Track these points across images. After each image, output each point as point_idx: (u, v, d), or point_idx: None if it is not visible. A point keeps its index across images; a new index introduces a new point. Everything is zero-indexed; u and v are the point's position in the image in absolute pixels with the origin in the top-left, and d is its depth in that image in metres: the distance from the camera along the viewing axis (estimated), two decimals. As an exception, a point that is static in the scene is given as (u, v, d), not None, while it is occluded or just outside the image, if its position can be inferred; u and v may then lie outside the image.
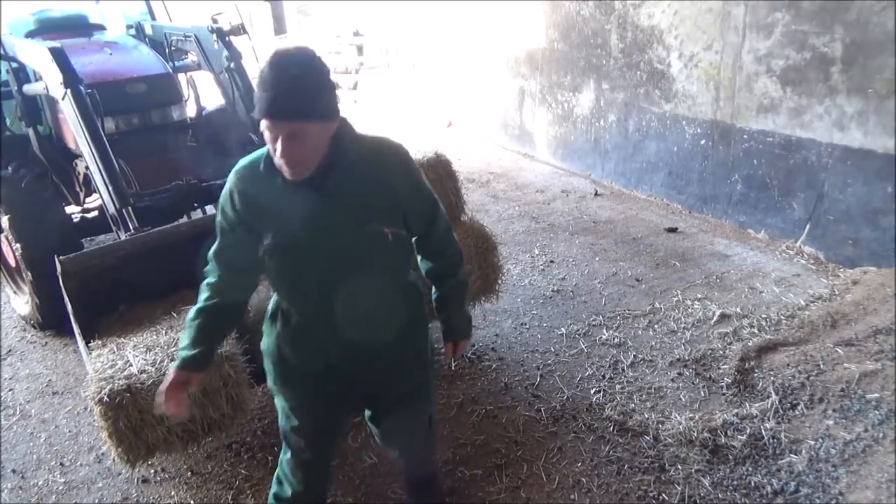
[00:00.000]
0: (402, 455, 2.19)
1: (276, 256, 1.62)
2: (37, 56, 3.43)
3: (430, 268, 1.90)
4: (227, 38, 3.84)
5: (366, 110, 8.94)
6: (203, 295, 1.74)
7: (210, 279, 1.74)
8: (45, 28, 4.26)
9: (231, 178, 1.65)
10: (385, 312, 1.73)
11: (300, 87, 1.41)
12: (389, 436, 2.08)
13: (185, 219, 3.62)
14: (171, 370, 1.72)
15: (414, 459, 2.22)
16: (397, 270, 1.76)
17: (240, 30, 3.92)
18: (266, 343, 1.82)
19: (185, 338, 1.73)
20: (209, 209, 4.12)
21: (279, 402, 1.89)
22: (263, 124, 1.45)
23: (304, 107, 1.43)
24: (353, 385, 1.84)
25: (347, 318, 1.66)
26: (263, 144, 1.53)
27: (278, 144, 1.44)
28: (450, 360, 2.09)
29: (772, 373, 2.89)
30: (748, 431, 2.60)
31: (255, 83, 1.48)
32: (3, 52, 3.80)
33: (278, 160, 1.48)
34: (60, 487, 2.69)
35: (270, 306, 1.81)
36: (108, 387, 2.18)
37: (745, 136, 4.44)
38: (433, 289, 1.93)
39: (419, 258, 1.88)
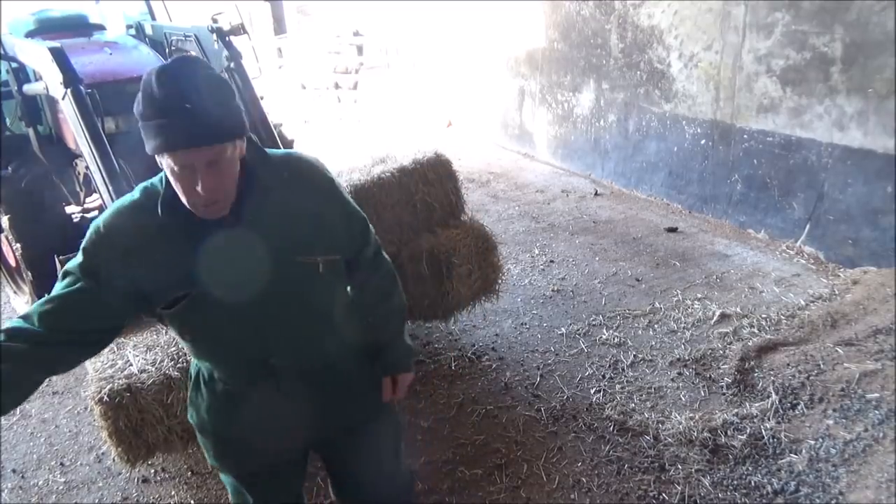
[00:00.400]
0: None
1: (193, 316, 1.35)
2: (37, 56, 3.43)
3: (361, 293, 1.63)
4: (227, 38, 3.84)
5: (366, 110, 8.94)
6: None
7: (21, 325, 1.28)
8: (45, 28, 4.26)
9: (109, 227, 1.31)
10: (330, 349, 1.52)
11: (209, 101, 1.16)
12: (357, 481, 1.73)
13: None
14: None
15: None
16: (336, 299, 1.52)
17: (240, 30, 3.92)
18: (195, 417, 1.57)
19: None
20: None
21: (225, 478, 1.66)
22: (167, 160, 1.19)
23: (222, 125, 1.19)
24: (306, 437, 1.61)
25: (288, 367, 1.46)
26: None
27: (198, 178, 1.19)
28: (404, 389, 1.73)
29: (772, 372, 2.89)
30: (748, 431, 2.60)
31: (136, 110, 1.20)
32: (3, 52, 3.80)
33: (194, 198, 1.22)
34: (60, 487, 2.69)
35: (192, 374, 1.57)
36: (108, 386, 2.18)
37: (745, 136, 4.44)
38: (368, 317, 1.65)
39: (349, 286, 1.61)
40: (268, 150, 1.41)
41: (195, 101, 1.15)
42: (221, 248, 1.31)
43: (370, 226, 1.60)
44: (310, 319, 1.46)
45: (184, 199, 1.24)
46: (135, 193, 1.34)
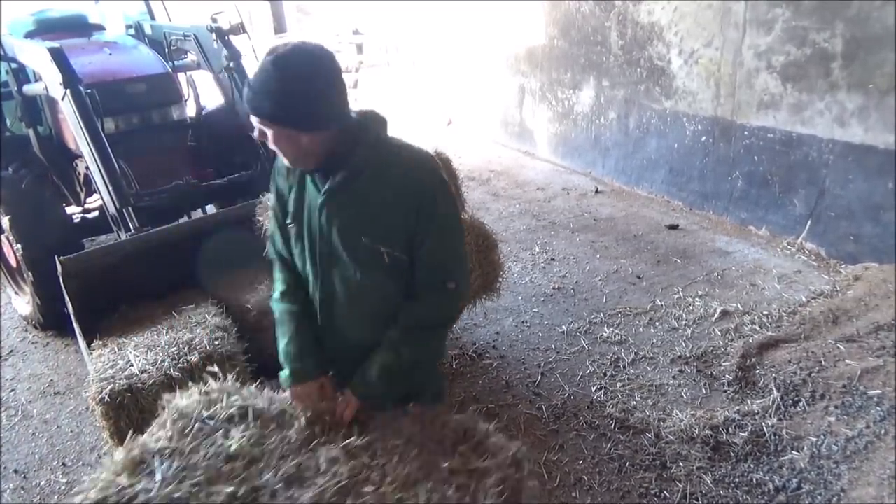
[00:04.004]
0: None
1: (290, 237, 1.65)
2: (36, 56, 3.43)
3: (401, 306, 1.59)
4: (226, 38, 3.84)
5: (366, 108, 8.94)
6: (280, 288, 1.70)
7: (277, 273, 1.73)
8: (45, 28, 4.26)
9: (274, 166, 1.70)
10: (376, 332, 1.58)
11: (277, 87, 1.36)
12: None
13: (185, 219, 3.62)
14: (287, 387, 1.60)
15: None
16: (388, 293, 1.57)
17: (239, 29, 3.92)
18: None
19: (288, 343, 1.63)
20: (209, 209, 4.12)
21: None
22: None
23: (272, 109, 1.39)
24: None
25: (339, 320, 1.63)
26: (262, 144, 1.52)
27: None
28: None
29: (773, 369, 2.89)
30: (750, 428, 2.60)
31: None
32: (3, 52, 3.80)
33: None
34: (63, 488, 2.69)
35: None
36: (110, 387, 2.19)
37: (745, 133, 4.43)
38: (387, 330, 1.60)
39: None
40: (394, 139, 1.59)
41: (262, 80, 1.37)
42: (311, 198, 1.55)
43: (463, 265, 1.64)
44: (363, 300, 1.58)
45: None
46: None
